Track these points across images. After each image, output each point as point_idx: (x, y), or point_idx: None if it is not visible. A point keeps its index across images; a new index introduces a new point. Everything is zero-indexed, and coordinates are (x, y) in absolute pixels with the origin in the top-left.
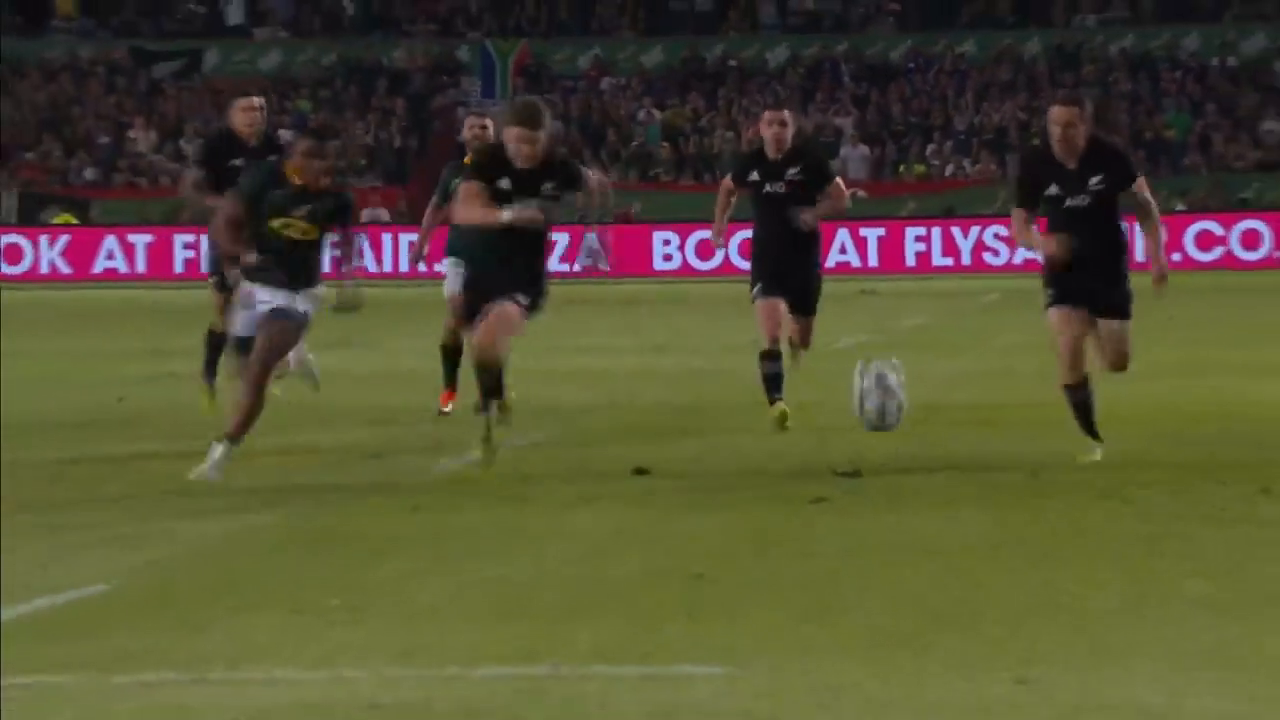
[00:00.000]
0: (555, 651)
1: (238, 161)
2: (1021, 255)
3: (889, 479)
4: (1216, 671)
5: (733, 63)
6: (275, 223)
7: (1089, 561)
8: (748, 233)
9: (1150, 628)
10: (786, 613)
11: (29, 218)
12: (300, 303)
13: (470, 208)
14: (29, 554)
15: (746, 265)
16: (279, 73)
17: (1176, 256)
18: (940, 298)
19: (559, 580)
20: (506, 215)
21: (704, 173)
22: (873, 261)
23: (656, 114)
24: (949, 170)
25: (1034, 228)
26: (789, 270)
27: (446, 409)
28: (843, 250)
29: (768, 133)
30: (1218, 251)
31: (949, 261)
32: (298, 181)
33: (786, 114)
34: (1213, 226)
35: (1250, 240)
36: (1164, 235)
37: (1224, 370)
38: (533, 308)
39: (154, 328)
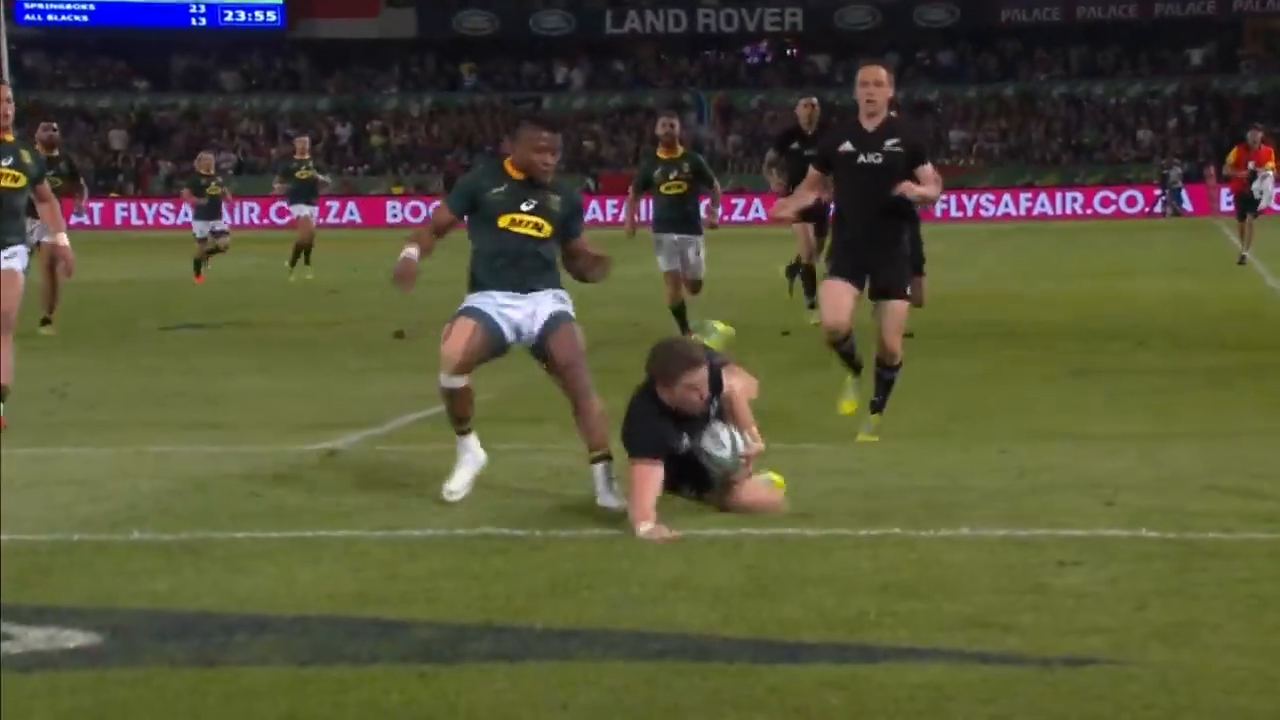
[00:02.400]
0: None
1: (795, 145)
2: (1005, 210)
3: (920, 338)
4: (1111, 444)
5: (838, 103)
6: None
7: (1039, 383)
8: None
9: (1072, 420)
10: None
11: (450, 189)
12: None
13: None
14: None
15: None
16: (582, 111)
17: (1088, 211)
18: (954, 234)
19: None
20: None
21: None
22: None
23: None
24: (961, 162)
25: (802, 193)
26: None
27: None
28: None
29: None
30: (1112, 208)
31: (960, 215)
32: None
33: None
34: (1109, 193)
35: (1131, 201)
36: (930, 192)
37: (1115, 275)
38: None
39: None
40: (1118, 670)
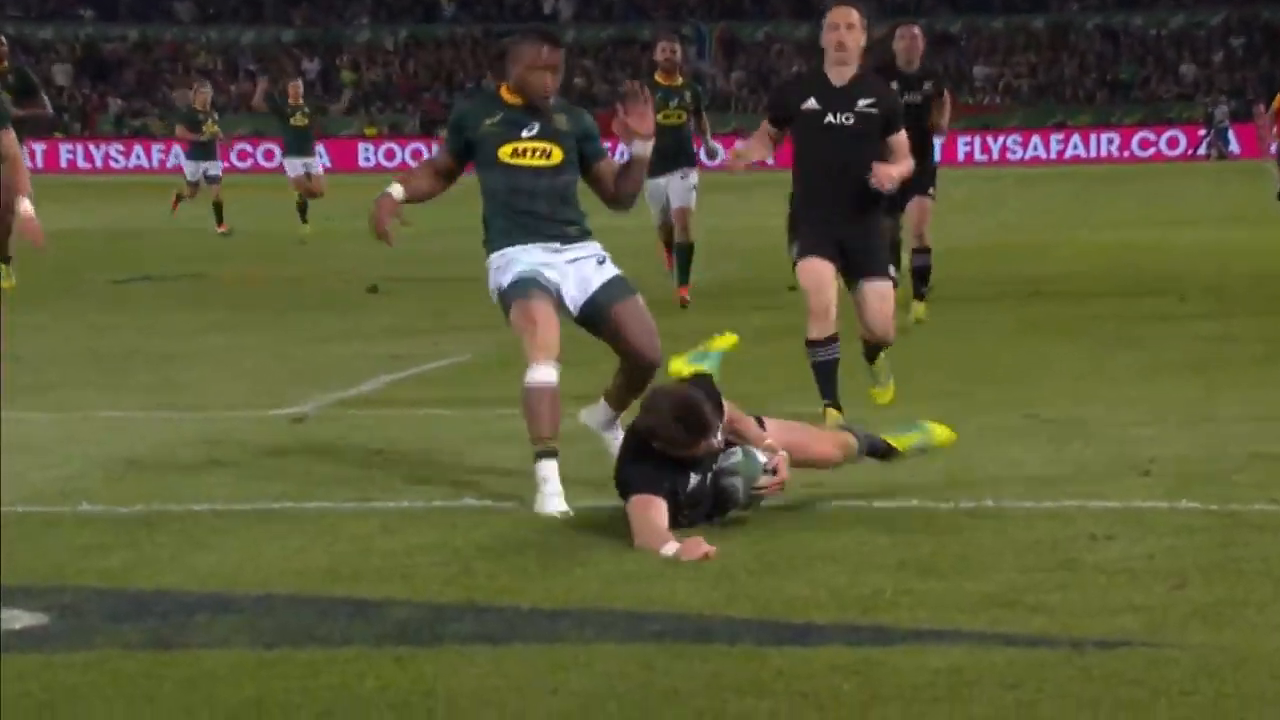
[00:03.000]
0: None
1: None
2: (1034, 152)
3: (940, 292)
4: (1147, 408)
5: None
6: None
7: (1069, 343)
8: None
9: (1106, 382)
10: None
11: (427, 130)
12: None
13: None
14: (425, 338)
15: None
16: (572, 45)
17: (1125, 154)
18: (979, 179)
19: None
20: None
21: None
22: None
23: (803, 67)
24: (986, 100)
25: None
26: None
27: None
28: None
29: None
30: (1151, 150)
31: (985, 158)
32: None
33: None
34: (1149, 134)
35: (1173, 143)
36: (906, 171)
37: (1155, 224)
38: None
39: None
40: (1154, 653)
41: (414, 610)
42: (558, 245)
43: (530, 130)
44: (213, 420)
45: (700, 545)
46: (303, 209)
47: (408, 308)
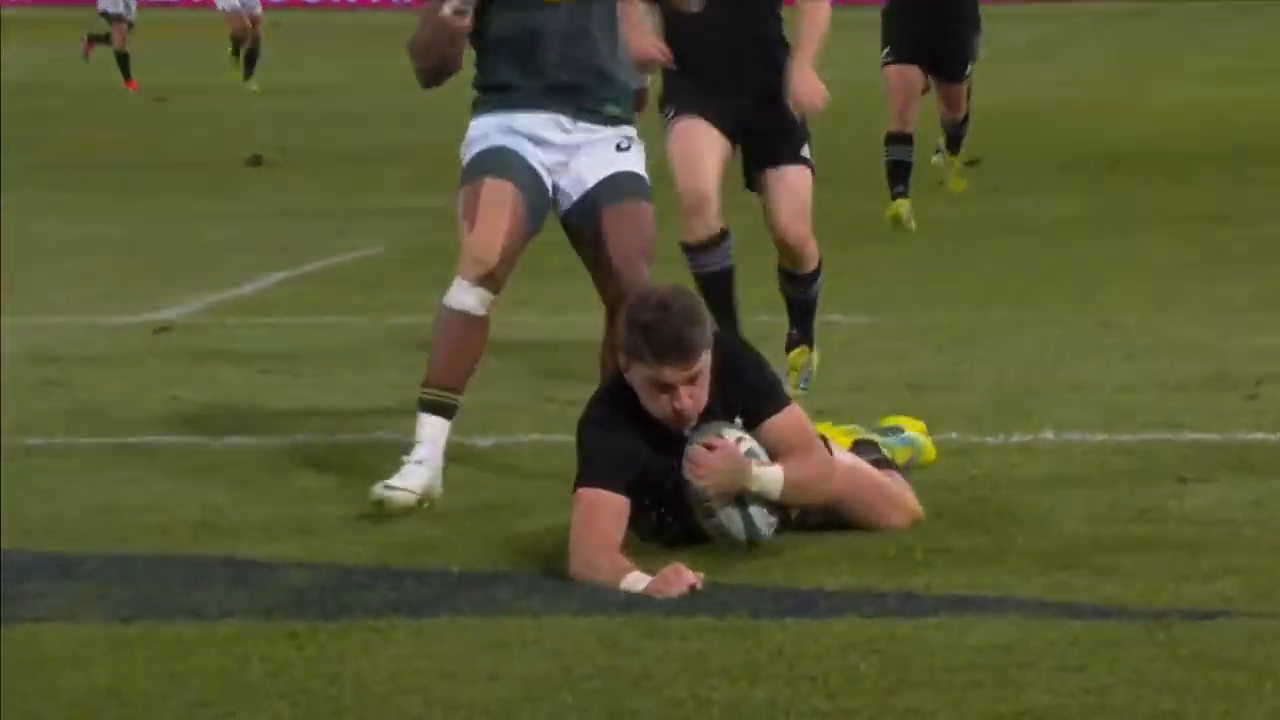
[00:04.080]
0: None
1: None
2: None
3: (990, 166)
4: (1255, 314)
5: None
6: None
7: (1156, 231)
8: None
9: (1203, 281)
10: (916, 271)
11: None
12: None
13: None
14: (326, 225)
15: None
16: None
17: None
18: (1043, 19)
19: None
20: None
21: None
22: None
23: None
24: None
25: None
26: None
27: None
28: None
29: None
30: None
31: None
32: None
33: None
34: None
35: None
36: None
37: (1268, 75)
38: None
39: None
40: (1259, 626)
41: (312, 574)
42: (570, 120)
43: None
44: (46, 329)
45: (681, 575)
46: (248, 53)
47: (302, 185)
